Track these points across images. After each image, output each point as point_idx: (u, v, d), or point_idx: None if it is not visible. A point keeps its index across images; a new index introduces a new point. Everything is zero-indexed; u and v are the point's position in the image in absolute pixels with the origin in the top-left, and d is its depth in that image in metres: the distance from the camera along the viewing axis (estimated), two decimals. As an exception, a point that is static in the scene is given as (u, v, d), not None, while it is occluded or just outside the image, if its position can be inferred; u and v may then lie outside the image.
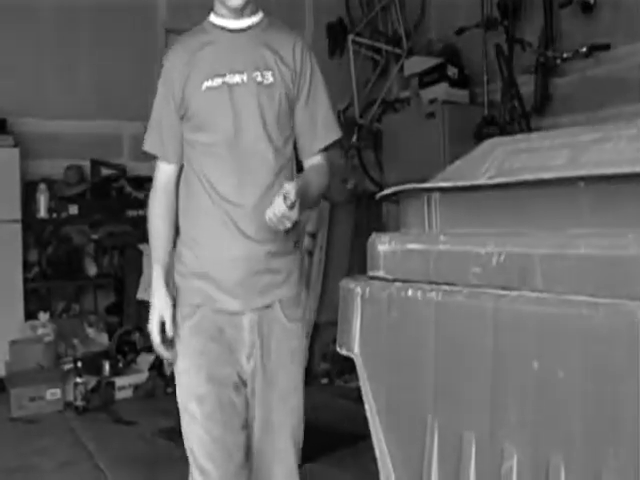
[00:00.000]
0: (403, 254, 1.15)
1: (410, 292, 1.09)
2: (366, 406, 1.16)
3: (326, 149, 2.74)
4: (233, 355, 2.58)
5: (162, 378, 6.21)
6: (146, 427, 5.25)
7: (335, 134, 2.73)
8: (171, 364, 2.69)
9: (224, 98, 2.58)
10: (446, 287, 1.04)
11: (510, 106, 5.72)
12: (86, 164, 7.09)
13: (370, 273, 1.22)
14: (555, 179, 0.92)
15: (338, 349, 1.29)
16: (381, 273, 1.19)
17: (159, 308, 2.59)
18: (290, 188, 2.22)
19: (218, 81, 2.59)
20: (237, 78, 2.60)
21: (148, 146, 2.74)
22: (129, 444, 5.01)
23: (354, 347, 1.20)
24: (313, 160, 2.72)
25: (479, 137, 5.37)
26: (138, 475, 4.35)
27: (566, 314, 0.86)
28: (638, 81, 4.98)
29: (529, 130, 5.36)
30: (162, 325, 2.57)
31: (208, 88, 2.59)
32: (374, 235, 1.28)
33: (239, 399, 2.60)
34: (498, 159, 1.13)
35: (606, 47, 5.20)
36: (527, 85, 5.77)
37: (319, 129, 2.70)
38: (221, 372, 2.58)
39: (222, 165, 2.56)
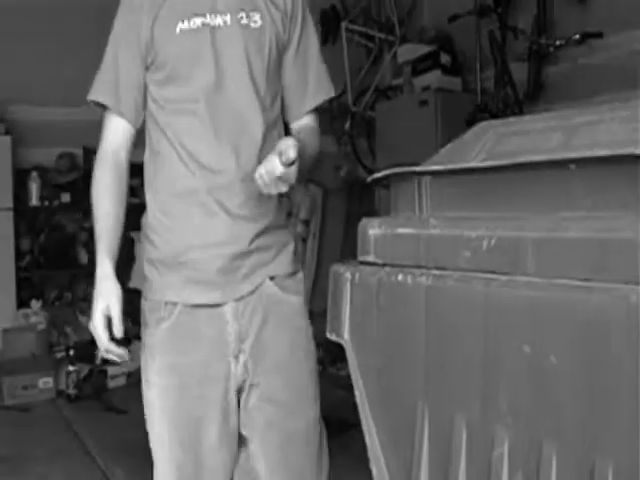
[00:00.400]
0: (393, 238, 1.13)
1: (400, 277, 1.07)
2: (356, 393, 1.15)
3: (317, 109, 2.35)
4: (215, 367, 2.14)
5: (155, 366, 6.17)
6: (138, 415, 5.19)
7: (328, 91, 2.35)
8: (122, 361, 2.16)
9: (204, 43, 2.14)
10: (436, 271, 1.03)
11: (503, 93, 5.71)
12: (78, 152, 7.05)
13: (360, 258, 1.21)
14: (546, 162, 0.91)
15: (328, 335, 1.28)
16: (371, 258, 1.17)
17: (105, 298, 2.04)
18: (289, 144, 1.84)
19: (197, 22, 2.14)
20: (219, 20, 2.17)
21: (97, 94, 2.20)
22: (121, 432, 4.99)
23: (344, 333, 1.18)
24: (302, 122, 2.33)
25: (472, 125, 5.35)
26: (130, 463, 4.34)
27: (558, 298, 0.85)
28: (630, 69, 4.97)
29: (522, 117, 5.31)
30: (108, 321, 2.04)
31: (183, 31, 2.13)
32: (364, 219, 1.25)
33: (224, 431, 2.15)
34: (490, 142, 1.12)
35: (599, 35, 5.18)
36: (520, 72, 5.75)
37: (310, 85, 2.31)
38: (198, 406, 2.14)
39: (199, 125, 2.12)
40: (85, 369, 5.93)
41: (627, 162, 0.81)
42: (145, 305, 2.23)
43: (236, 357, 2.16)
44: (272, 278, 2.15)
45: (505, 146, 1.08)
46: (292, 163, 1.83)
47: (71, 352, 5.91)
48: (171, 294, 2.15)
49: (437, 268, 1.04)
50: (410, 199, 1.16)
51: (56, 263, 6.84)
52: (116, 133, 2.19)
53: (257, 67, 2.17)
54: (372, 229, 1.18)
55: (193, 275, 2.14)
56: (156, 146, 2.19)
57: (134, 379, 6.03)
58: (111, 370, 6.06)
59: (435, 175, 1.10)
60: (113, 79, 2.19)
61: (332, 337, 1.24)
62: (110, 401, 5.65)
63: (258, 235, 2.14)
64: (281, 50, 2.25)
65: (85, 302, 6.92)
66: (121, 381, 6.08)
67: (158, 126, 2.17)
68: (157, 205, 2.20)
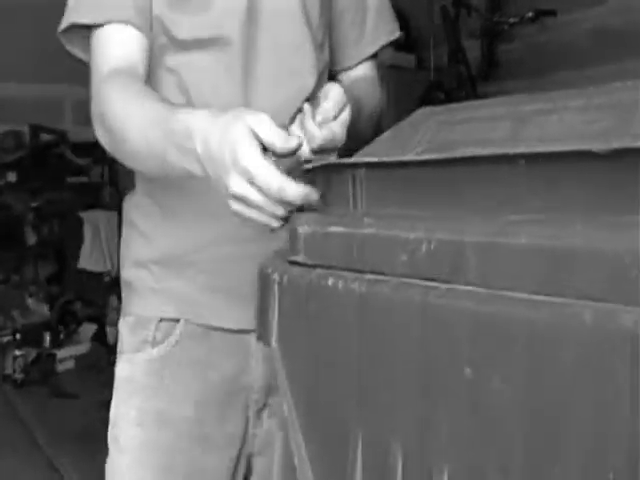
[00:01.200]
0: (324, 237, 1.02)
1: (330, 281, 0.97)
2: (284, 406, 1.05)
3: (376, 54, 1.76)
4: (230, 422, 1.55)
5: (105, 348, 6.11)
6: (88, 400, 5.15)
7: (392, 30, 1.76)
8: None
9: None
10: (370, 276, 0.93)
11: (456, 71, 5.66)
12: (25, 129, 6.89)
13: (290, 258, 1.10)
14: (492, 156, 0.82)
15: (257, 342, 1.18)
16: (301, 258, 1.06)
17: (243, 119, 1.16)
18: (330, 95, 1.35)
19: None
20: None
21: (87, 12, 1.50)
22: (70, 418, 4.91)
23: (271, 340, 1.08)
24: (359, 71, 1.75)
25: (426, 102, 5.32)
26: (77, 451, 4.26)
27: (503, 314, 0.76)
28: (583, 48, 4.97)
29: (475, 96, 5.31)
30: None
31: None
32: (294, 215, 1.15)
33: None
34: (430, 131, 1.02)
35: (552, 13, 5.17)
36: (474, 50, 5.72)
37: (370, 21, 1.70)
38: (203, 464, 1.52)
39: (222, 68, 1.51)
40: (32, 353, 5.83)
41: (582, 159, 0.72)
42: (124, 323, 1.63)
43: (259, 413, 1.57)
44: None
45: (447, 136, 0.98)
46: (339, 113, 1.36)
47: (18, 336, 5.80)
48: (172, 308, 1.56)
49: (372, 272, 0.93)
50: (344, 194, 1.05)
51: (2, 245, 6.69)
52: (125, 46, 1.49)
53: None
54: (301, 227, 1.06)
55: (209, 282, 1.55)
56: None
57: (83, 363, 5.93)
58: (60, 354, 5.97)
59: (370, 168, 1.00)
60: None
61: (260, 344, 1.13)
62: (59, 386, 5.55)
63: None
64: None
65: (33, 285, 6.80)
66: (70, 364, 5.98)
67: (163, 66, 1.56)
68: (154, 183, 1.60)
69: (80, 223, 6.52)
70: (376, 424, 0.93)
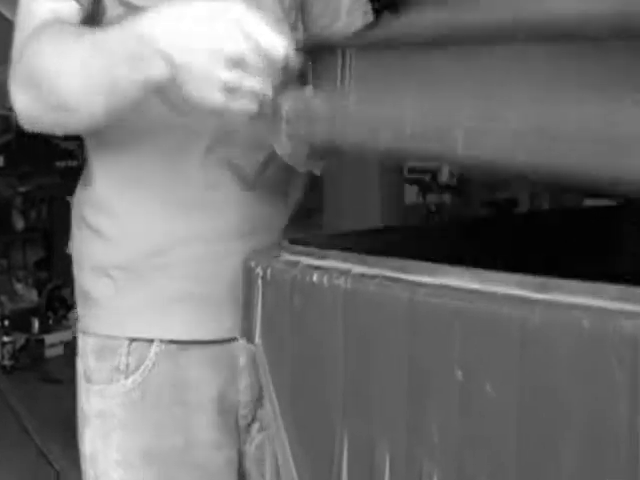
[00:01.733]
0: (307, 111, 0.98)
1: (315, 276, 0.94)
2: (267, 406, 1.01)
3: None
4: (225, 448, 1.38)
5: (95, 334, 6.08)
6: (74, 385, 5.13)
7: (366, 13, 1.57)
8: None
9: None
10: (357, 271, 0.90)
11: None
12: (12, 113, 6.83)
13: (271, 138, 1.06)
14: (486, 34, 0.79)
15: (240, 339, 1.14)
16: (283, 132, 1.02)
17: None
18: None
19: None
20: None
21: None
22: (58, 404, 4.87)
23: (255, 337, 1.04)
24: None
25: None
26: (66, 437, 4.21)
27: (497, 313, 0.73)
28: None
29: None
30: None
31: None
32: (278, 95, 1.09)
33: None
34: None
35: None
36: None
37: (344, 4, 1.53)
38: None
39: None
40: (21, 339, 5.80)
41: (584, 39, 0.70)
42: (86, 345, 1.43)
43: (247, 428, 1.41)
44: None
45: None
46: None
47: (6, 322, 5.76)
48: (143, 325, 1.37)
49: (354, 149, 0.92)
50: (332, 72, 0.98)
51: (-11, 230, 6.66)
52: (58, 2, 1.28)
53: None
54: (285, 100, 1.02)
55: (185, 288, 1.36)
56: None
57: (73, 348, 5.90)
58: (49, 339, 5.94)
59: (361, 47, 0.96)
60: None
61: (243, 342, 1.09)
62: (48, 372, 5.53)
63: (292, 221, 1.42)
64: None
65: (22, 270, 6.76)
66: (59, 350, 5.95)
67: None
68: (111, 167, 1.41)
69: (69, 207, 6.47)
70: (362, 425, 0.89)
